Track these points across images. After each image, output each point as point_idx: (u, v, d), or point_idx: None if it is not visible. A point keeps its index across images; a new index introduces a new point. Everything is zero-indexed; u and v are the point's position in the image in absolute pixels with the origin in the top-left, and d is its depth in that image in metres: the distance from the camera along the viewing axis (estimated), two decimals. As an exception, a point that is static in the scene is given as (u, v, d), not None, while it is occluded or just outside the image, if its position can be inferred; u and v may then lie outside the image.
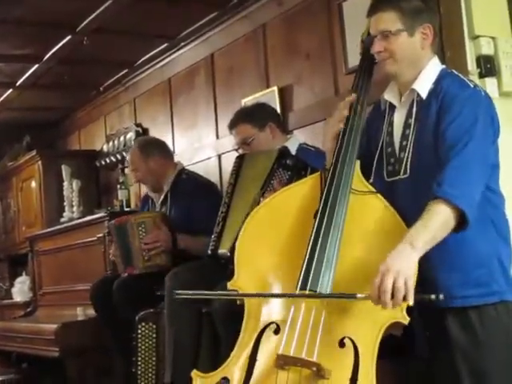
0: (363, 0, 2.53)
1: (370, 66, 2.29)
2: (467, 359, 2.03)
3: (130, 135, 5.50)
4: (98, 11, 4.08)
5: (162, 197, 3.87)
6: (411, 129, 2.16)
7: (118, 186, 5.40)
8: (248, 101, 4.16)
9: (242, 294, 2.14)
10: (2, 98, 5.78)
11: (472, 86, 2.13)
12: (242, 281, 2.15)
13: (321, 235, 2.03)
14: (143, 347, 3.49)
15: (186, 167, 4.08)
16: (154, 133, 5.22)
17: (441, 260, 2.03)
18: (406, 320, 1.94)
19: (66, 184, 5.91)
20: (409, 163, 2.14)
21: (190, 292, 2.51)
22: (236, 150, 3.41)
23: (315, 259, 2.00)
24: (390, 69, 2.17)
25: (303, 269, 2.01)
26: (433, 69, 2.18)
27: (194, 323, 3.22)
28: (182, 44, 4.83)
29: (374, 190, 2.16)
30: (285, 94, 4.06)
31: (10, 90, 5.60)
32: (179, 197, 3.77)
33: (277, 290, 2.12)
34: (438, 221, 1.93)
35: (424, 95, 2.14)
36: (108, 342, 4.01)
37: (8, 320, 5.71)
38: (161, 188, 3.90)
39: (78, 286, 4.68)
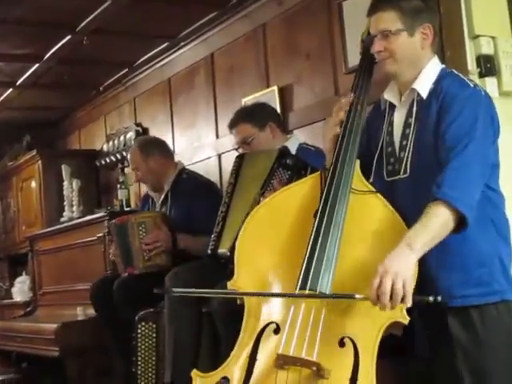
0: (363, 0, 2.53)
1: (370, 65, 2.29)
2: (468, 359, 2.03)
3: (130, 135, 5.50)
4: (97, 11, 4.09)
5: (163, 196, 3.87)
6: (411, 128, 2.16)
7: (118, 186, 5.40)
8: (248, 100, 4.15)
9: (239, 292, 2.14)
10: (2, 98, 5.78)
11: (472, 85, 2.13)
12: (241, 280, 2.15)
13: (321, 234, 2.03)
14: (143, 347, 3.48)
15: (186, 167, 4.08)
16: (154, 132, 5.22)
17: (441, 260, 2.03)
18: (405, 320, 1.95)
19: (65, 184, 5.90)
20: (409, 163, 2.14)
21: (188, 290, 2.51)
22: (236, 149, 3.41)
23: (315, 258, 2.00)
24: (389, 68, 2.17)
25: (303, 268, 2.01)
26: (433, 68, 2.18)
27: (194, 323, 3.22)
28: (182, 44, 4.83)
29: (373, 189, 2.16)
30: (285, 94, 4.06)
31: (10, 90, 5.60)
32: (179, 196, 3.77)
33: (277, 289, 2.12)
34: (437, 222, 1.93)
35: (424, 95, 2.14)
36: (108, 342, 4.01)
37: (8, 320, 5.70)
38: (161, 187, 3.89)
39: (77, 286, 4.67)
